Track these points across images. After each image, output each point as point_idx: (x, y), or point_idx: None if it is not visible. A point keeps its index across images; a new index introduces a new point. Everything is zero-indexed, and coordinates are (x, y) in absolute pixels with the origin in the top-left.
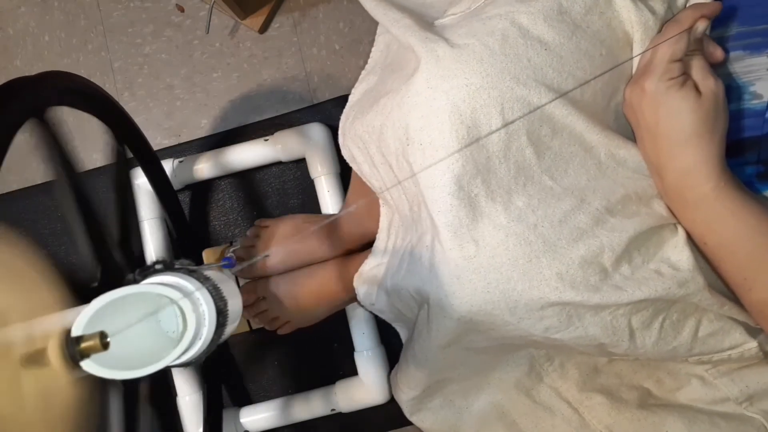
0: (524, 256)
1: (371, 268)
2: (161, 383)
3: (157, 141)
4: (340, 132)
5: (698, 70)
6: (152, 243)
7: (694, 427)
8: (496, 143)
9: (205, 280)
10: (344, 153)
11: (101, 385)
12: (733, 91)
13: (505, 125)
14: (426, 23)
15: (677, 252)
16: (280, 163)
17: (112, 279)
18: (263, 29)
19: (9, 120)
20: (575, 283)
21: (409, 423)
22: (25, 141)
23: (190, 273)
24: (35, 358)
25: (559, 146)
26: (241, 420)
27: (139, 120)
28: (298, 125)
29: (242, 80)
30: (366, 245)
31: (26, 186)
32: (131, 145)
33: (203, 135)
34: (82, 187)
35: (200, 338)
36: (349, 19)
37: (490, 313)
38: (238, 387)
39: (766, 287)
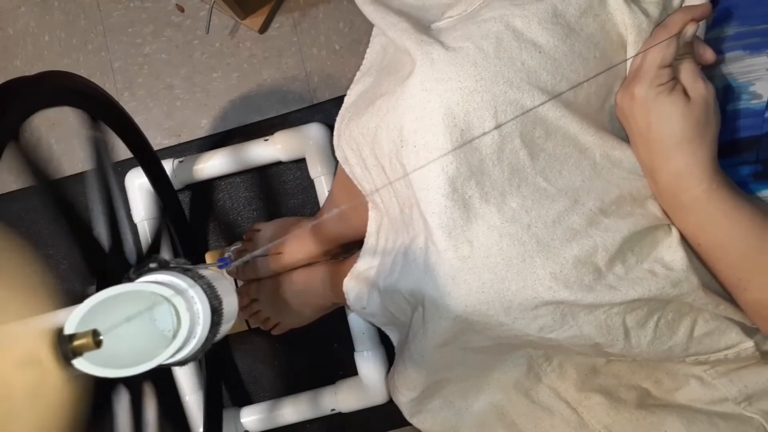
0: (518, 256)
1: (362, 271)
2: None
3: (157, 141)
4: (335, 133)
5: (688, 74)
6: (152, 243)
7: (693, 427)
8: (490, 145)
9: (199, 279)
10: (338, 154)
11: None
12: (732, 90)
13: (498, 127)
14: (422, 27)
15: (671, 252)
16: (280, 163)
17: (109, 279)
18: (263, 29)
19: (9, 120)
20: (569, 283)
21: (409, 423)
22: (25, 140)
23: (185, 272)
24: (28, 357)
25: (553, 148)
26: (241, 420)
27: (139, 120)
28: (298, 125)
29: (242, 80)
30: (354, 244)
31: (26, 186)
32: (131, 145)
33: (203, 135)
34: (61, 190)
35: (195, 336)
36: (349, 19)
37: (485, 313)
38: (238, 387)
39: (761, 287)
